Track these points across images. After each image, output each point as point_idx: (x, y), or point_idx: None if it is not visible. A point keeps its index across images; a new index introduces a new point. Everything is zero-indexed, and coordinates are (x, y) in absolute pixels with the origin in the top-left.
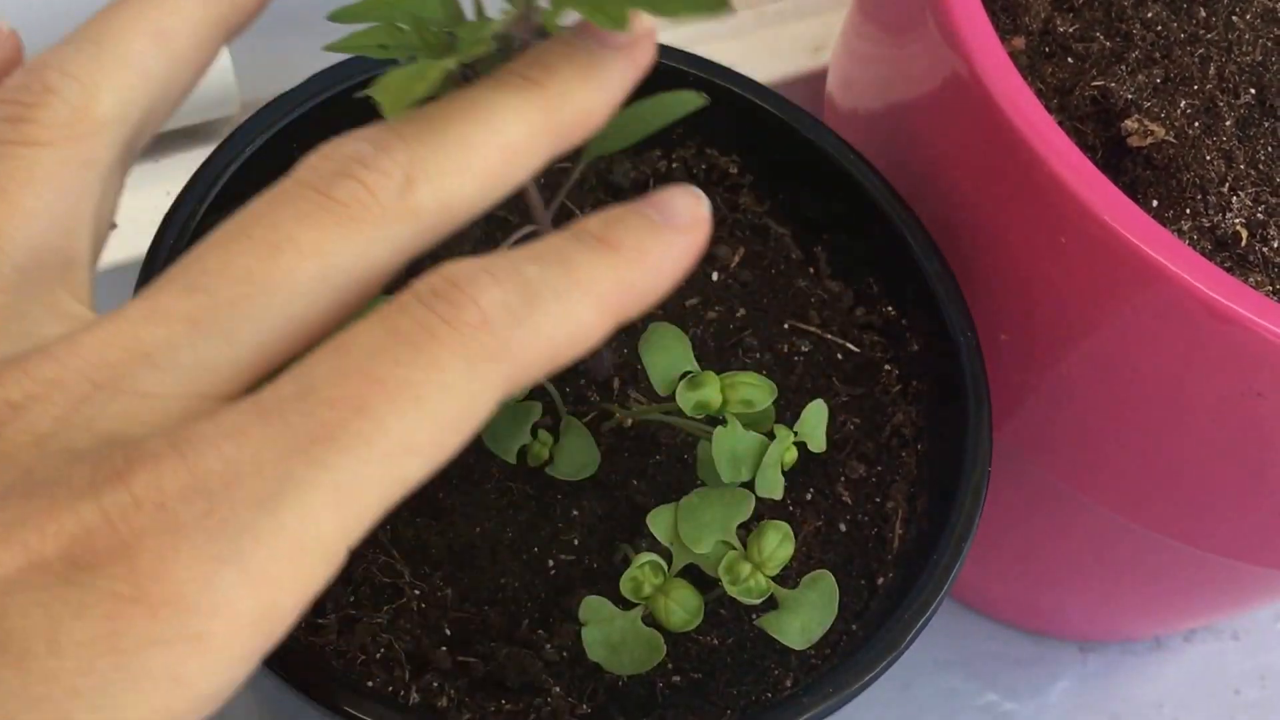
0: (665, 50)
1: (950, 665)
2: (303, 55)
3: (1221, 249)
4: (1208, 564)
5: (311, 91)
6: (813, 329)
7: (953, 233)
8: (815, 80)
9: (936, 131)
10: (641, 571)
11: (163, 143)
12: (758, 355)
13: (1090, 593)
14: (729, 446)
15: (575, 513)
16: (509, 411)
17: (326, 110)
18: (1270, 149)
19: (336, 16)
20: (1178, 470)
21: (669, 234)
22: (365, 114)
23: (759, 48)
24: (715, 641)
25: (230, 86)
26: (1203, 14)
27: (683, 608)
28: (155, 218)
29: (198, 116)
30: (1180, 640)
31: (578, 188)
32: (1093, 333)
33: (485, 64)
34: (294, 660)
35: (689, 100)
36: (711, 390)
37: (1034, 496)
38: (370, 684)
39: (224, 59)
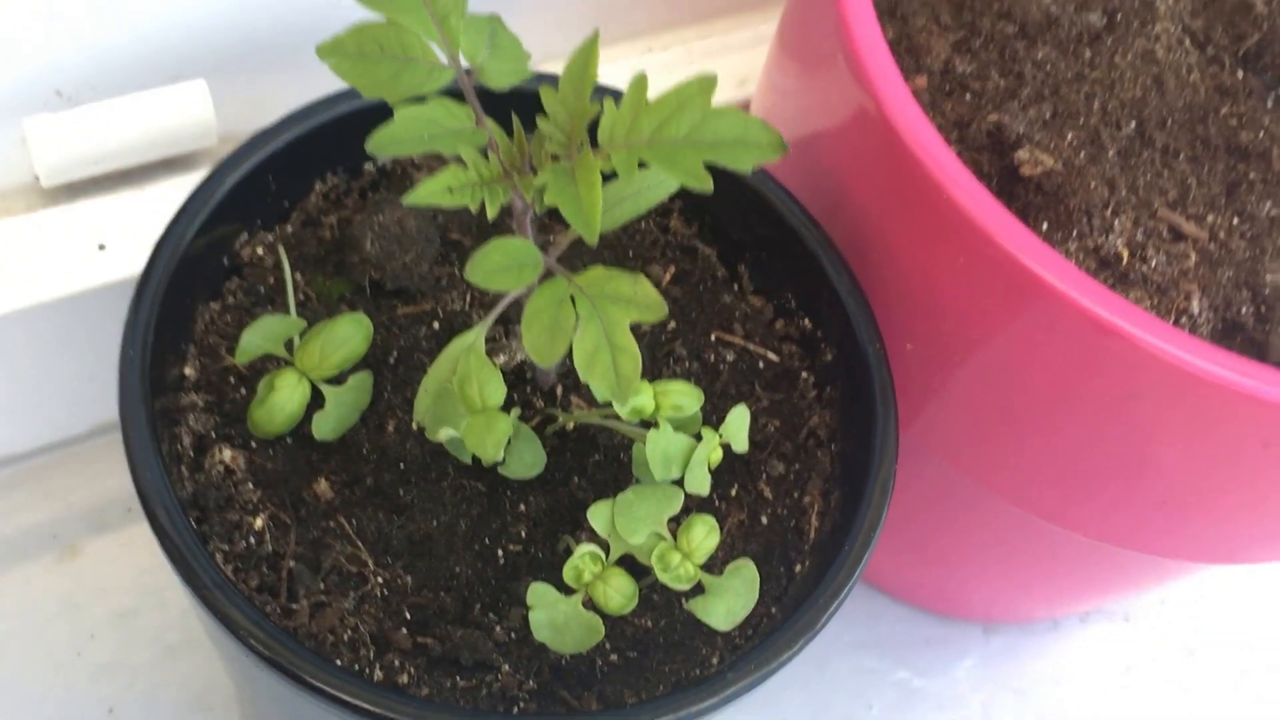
0: (601, 90)
1: (864, 646)
2: (277, 92)
3: (1105, 267)
4: (1097, 550)
5: (284, 129)
6: (737, 340)
7: (863, 252)
8: (741, 110)
9: (847, 160)
10: (582, 560)
11: (147, 172)
12: (687, 363)
13: (992, 577)
14: (661, 448)
15: (522, 507)
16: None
17: (298, 145)
18: (1149, 176)
19: (376, 146)
20: (1067, 464)
21: None
22: (331, 148)
23: (714, 73)
24: (649, 624)
25: (209, 120)
26: (1088, 55)
27: (620, 593)
28: (141, 241)
29: (179, 148)
30: (1077, 621)
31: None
32: (989, 342)
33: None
34: (270, 643)
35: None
36: (645, 397)
37: (940, 489)
38: (338, 663)
39: (204, 95)
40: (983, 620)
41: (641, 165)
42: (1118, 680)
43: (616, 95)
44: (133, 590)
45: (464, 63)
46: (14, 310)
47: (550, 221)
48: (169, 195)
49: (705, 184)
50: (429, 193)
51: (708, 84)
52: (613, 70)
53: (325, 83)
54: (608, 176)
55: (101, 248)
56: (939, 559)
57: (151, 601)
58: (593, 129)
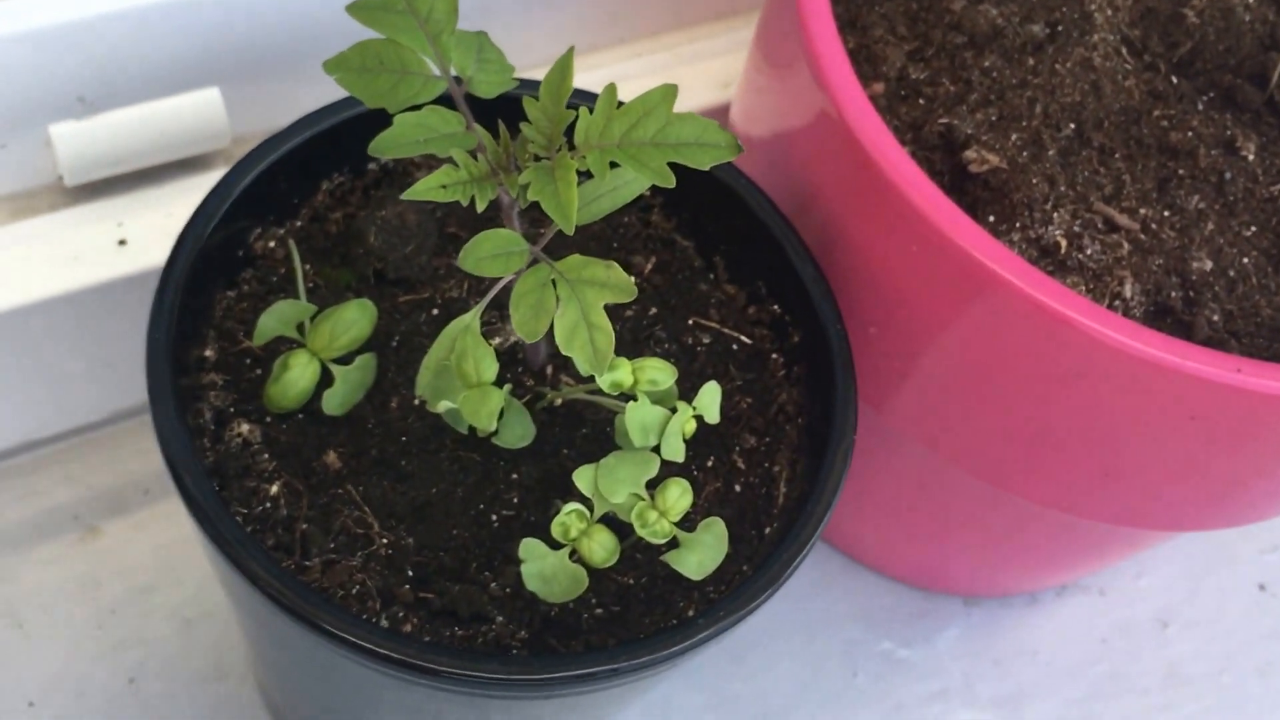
0: (582, 94)
1: (850, 619)
2: (286, 95)
3: (1045, 256)
4: (1062, 521)
5: (294, 133)
6: (712, 324)
7: (828, 243)
8: (723, 112)
9: (813, 158)
10: (569, 517)
11: (164, 172)
12: (667, 346)
13: (969, 552)
14: (639, 418)
15: (515, 476)
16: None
17: (306, 148)
18: (1086, 174)
19: (377, 148)
20: (1023, 439)
21: None
22: (337, 150)
23: (675, 83)
24: (630, 581)
25: (223, 122)
26: (1031, 63)
27: (602, 547)
28: (159, 236)
29: (195, 149)
30: (1053, 595)
31: None
32: (944, 326)
33: None
34: (289, 594)
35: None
36: (624, 371)
37: (914, 467)
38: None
39: (217, 102)
40: (964, 594)
41: (613, 165)
42: (1094, 651)
43: (592, 99)
44: (150, 568)
45: (455, 74)
46: (38, 301)
47: (540, 216)
48: (185, 193)
49: (669, 181)
50: (425, 189)
51: (670, 92)
52: (604, 75)
53: (328, 86)
54: (584, 175)
55: (121, 243)
56: (920, 535)
57: (169, 578)
58: (571, 132)
